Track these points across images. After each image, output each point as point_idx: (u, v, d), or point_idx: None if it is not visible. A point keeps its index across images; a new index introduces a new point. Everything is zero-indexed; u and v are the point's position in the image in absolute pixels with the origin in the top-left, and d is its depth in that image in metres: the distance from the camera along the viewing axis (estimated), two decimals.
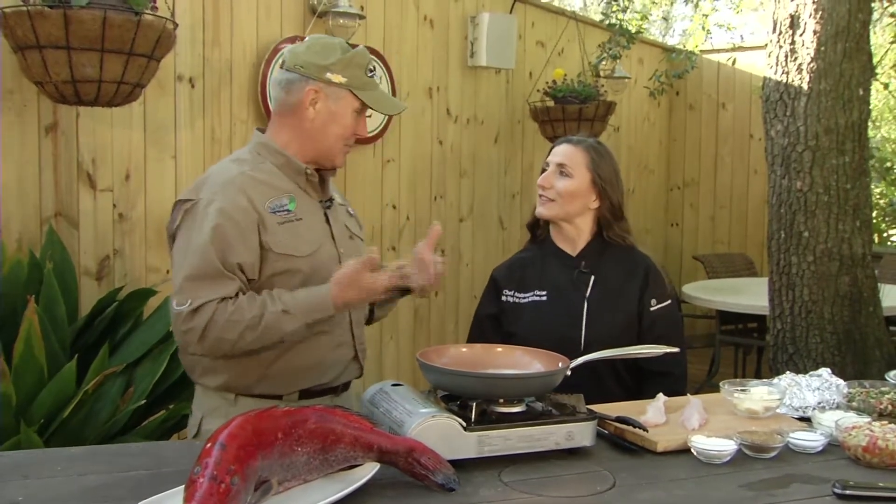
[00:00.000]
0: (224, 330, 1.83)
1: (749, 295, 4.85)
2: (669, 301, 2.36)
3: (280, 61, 2.02)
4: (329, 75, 1.97)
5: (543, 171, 2.38)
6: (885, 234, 7.48)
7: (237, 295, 1.87)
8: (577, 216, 2.35)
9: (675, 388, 2.15)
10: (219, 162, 2.10)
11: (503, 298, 2.36)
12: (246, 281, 1.90)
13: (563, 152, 2.36)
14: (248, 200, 1.91)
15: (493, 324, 2.38)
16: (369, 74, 2.01)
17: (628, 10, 5.76)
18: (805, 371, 2.19)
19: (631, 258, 2.37)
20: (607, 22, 5.65)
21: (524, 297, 2.33)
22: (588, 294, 2.29)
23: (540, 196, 2.36)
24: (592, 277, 2.31)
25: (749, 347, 5.57)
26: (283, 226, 1.94)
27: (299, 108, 1.99)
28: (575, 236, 2.37)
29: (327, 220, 2.06)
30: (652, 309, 2.30)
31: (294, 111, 2.00)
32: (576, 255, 2.36)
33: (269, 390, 1.97)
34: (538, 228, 2.46)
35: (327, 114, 1.99)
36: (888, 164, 7.62)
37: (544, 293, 2.31)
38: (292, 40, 4.00)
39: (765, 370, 5.03)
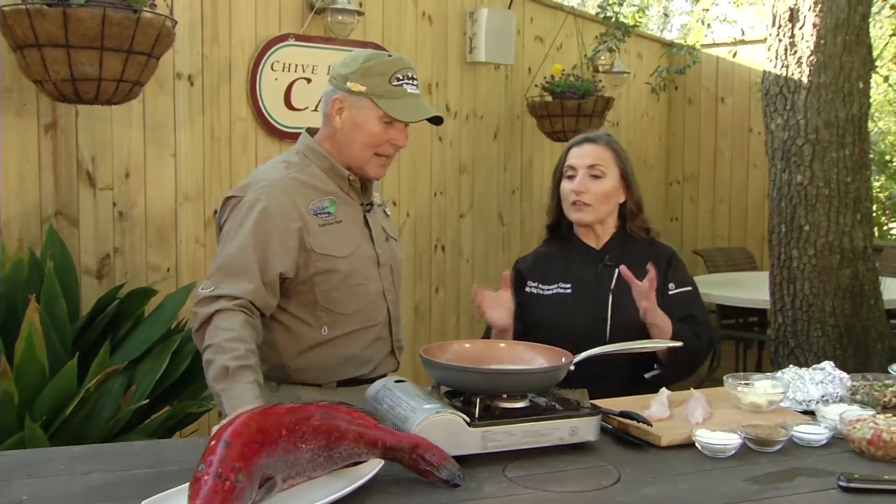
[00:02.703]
0: (211, 331, 1.82)
1: (749, 289, 4.84)
2: (690, 287, 2.34)
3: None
4: (349, 84, 2.01)
5: (568, 176, 2.32)
6: (885, 228, 7.48)
7: (250, 308, 1.87)
8: (609, 215, 2.34)
9: (699, 331, 2.22)
10: (267, 162, 2.18)
11: (527, 290, 2.36)
12: (277, 288, 1.94)
13: (590, 153, 2.31)
14: (291, 203, 1.98)
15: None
16: (395, 83, 1.99)
17: (625, 4, 5.73)
18: (807, 365, 2.19)
19: (654, 250, 2.36)
20: (603, 15, 5.63)
21: (548, 290, 2.33)
22: (612, 286, 2.29)
23: (574, 203, 2.30)
24: (617, 270, 2.30)
25: (750, 342, 5.57)
26: (323, 228, 2.01)
27: (330, 118, 2.06)
28: (600, 231, 2.36)
29: (367, 223, 2.11)
30: (670, 293, 2.29)
31: (329, 121, 2.08)
32: (600, 249, 2.35)
33: (308, 379, 2.04)
34: (559, 228, 2.43)
35: (351, 122, 2.03)
36: (888, 158, 7.62)
37: (569, 286, 2.31)
38: (283, 38, 4.00)
39: (766, 364, 5.03)
